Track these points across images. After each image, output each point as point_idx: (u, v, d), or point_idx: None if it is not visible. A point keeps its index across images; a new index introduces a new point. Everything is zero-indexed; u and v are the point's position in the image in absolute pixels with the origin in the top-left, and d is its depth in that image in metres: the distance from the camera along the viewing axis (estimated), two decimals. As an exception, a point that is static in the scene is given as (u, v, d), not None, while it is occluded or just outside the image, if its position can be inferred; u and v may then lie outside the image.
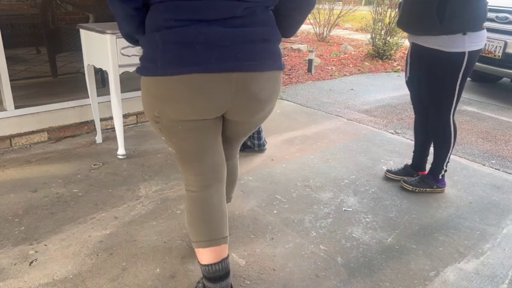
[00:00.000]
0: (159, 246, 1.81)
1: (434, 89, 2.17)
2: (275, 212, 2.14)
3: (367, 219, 2.11)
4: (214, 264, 1.38)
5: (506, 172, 2.76)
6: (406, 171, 2.53)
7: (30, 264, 1.67)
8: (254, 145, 2.82)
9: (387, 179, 2.55)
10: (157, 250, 1.79)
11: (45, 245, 1.80)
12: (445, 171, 2.37)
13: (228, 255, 1.43)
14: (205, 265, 1.39)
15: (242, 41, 1.15)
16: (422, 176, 2.44)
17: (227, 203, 1.66)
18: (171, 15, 1.12)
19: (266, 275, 1.68)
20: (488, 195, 2.42)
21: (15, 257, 1.72)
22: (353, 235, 1.97)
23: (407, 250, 1.88)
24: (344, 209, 2.20)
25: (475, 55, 2.05)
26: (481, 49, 2.07)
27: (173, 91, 1.17)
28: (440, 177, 2.39)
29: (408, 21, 2.11)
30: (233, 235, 1.92)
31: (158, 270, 1.67)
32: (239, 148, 1.67)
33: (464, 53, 2.01)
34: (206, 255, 1.38)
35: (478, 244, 1.94)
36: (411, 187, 2.40)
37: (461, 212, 2.22)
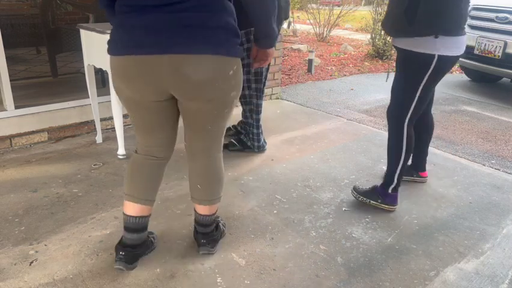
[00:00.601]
0: (159, 246, 1.81)
1: (397, 88, 2.09)
2: (275, 212, 2.14)
3: (367, 219, 2.11)
4: (132, 216, 1.60)
5: (506, 172, 2.76)
6: (406, 171, 2.43)
7: (30, 264, 1.67)
8: (254, 146, 2.82)
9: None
10: (157, 250, 1.79)
11: (45, 245, 1.80)
12: (397, 185, 2.15)
13: (148, 216, 1.65)
14: (125, 214, 1.62)
15: (177, 25, 1.23)
16: (373, 187, 2.25)
17: (204, 205, 1.67)
18: (123, 1, 1.27)
19: (266, 275, 1.68)
20: (488, 195, 2.42)
21: (16, 257, 1.72)
22: (353, 235, 1.97)
23: (407, 250, 1.88)
24: (344, 209, 2.20)
25: (447, 61, 1.94)
26: (455, 57, 1.95)
27: (117, 70, 1.34)
28: (390, 191, 2.16)
29: (386, 23, 2.08)
30: (233, 235, 1.92)
31: (158, 270, 1.67)
32: (216, 147, 1.61)
33: (433, 55, 1.91)
34: (128, 207, 1.61)
35: (478, 244, 1.94)
36: (357, 194, 2.24)
37: (461, 212, 2.22)
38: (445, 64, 1.96)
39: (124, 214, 1.62)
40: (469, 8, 1.99)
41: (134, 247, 1.64)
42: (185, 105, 1.44)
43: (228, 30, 1.30)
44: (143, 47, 1.26)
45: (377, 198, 2.19)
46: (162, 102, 1.43)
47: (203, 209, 1.68)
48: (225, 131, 1.62)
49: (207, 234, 1.75)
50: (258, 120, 2.74)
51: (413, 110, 2.05)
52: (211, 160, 1.62)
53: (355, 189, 2.27)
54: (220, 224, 1.87)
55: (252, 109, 2.71)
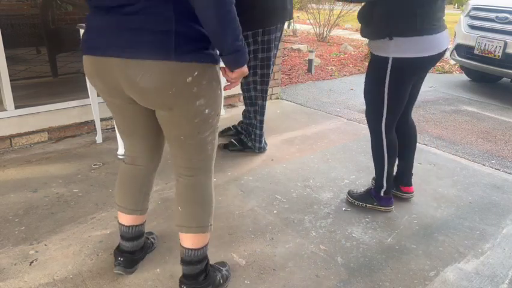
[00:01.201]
0: (159, 246, 1.81)
1: (366, 91, 2.06)
2: (275, 212, 2.14)
3: (367, 219, 2.11)
4: (126, 226, 1.60)
5: (506, 172, 2.76)
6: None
7: (30, 264, 1.68)
8: (255, 147, 2.82)
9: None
10: (157, 250, 1.79)
11: (45, 245, 1.80)
12: (388, 188, 2.14)
13: (142, 224, 1.63)
14: (119, 223, 1.61)
15: (124, 28, 1.19)
16: (367, 189, 2.23)
17: (185, 232, 1.44)
18: (90, 2, 1.25)
19: (266, 275, 1.68)
20: (488, 195, 2.42)
21: (16, 256, 1.72)
22: (353, 235, 1.97)
23: (407, 250, 1.88)
24: (343, 209, 2.20)
25: (403, 62, 1.85)
26: (417, 58, 1.85)
27: (85, 68, 1.34)
28: (382, 194, 2.15)
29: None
30: (233, 235, 1.92)
31: (158, 270, 1.67)
32: (200, 164, 1.42)
33: (387, 58, 1.86)
34: (120, 217, 1.61)
35: (478, 244, 1.94)
36: (352, 199, 2.23)
37: (461, 212, 2.22)
38: (405, 66, 1.88)
39: (119, 223, 1.62)
40: (438, 7, 1.85)
41: (132, 253, 1.63)
42: (157, 113, 1.35)
43: (181, 35, 1.17)
44: (96, 48, 1.24)
45: (373, 201, 2.19)
46: (131, 105, 1.36)
47: (185, 239, 1.45)
48: (213, 149, 1.43)
49: (190, 277, 1.47)
50: (261, 122, 2.75)
51: (387, 114, 2.00)
52: (194, 179, 1.43)
53: (350, 194, 2.27)
54: (216, 273, 1.57)
55: (256, 110, 2.72)
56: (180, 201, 1.45)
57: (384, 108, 1.99)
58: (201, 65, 1.23)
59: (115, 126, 1.54)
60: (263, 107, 2.72)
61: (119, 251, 1.63)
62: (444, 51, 1.92)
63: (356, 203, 2.23)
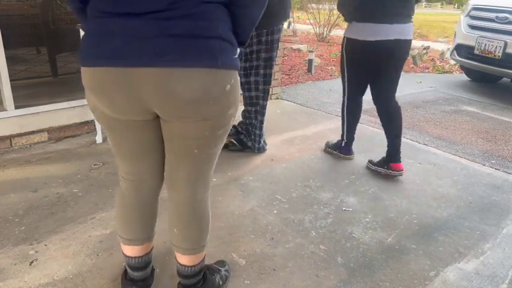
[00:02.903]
0: (159, 246, 1.81)
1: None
2: (275, 212, 2.14)
3: (367, 219, 2.11)
4: (135, 257, 1.43)
5: (506, 172, 2.76)
6: (379, 163, 2.66)
7: (30, 264, 1.67)
8: (254, 147, 2.82)
9: (387, 178, 2.55)
10: (157, 250, 1.78)
11: (45, 245, 1.80)
12: (348, 140, 2.81)
13: (152, 249, 1.49)
14: (125, 255, 1.44)
15: (164, 34, 1.06)
16: (338, 141, 2.88)
17: (182, 254, 1.40)
18: (98, 6, 1.10)
19: (266, 275, 1.68)
20: (488, 195, 2.42)
21: (16, 257, 1.72)
22: (353, 235, 1.97)
23: (407, 250, 1.88)
24: (343, 209, 2.20)
25: (354, 44, 2.41)
26: (366, 42, 2.34)
27: (93, 83, 1.14)
28: (343, 144, 2.84)
29: None
30: (233, 235, 1.92)
31: (158, 270, 1.67)
32: (203, 182, 1.35)
33: (344, 37, 2.49)
34: (127, 249, 1.43)
35: (478, 244, 1.94)
36: (327, 148, 2.93)
37: (461, 212, 2.22)
38: (353, 46, 2.44)
39: (125, 255, 1.45)
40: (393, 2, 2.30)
41: (144, 280, 1.50)
42: (171, 124, 1.21)
43: (223, 40, 1.13)
44: (124, 58, 1.07)
45: (339, 150, 2.85)
46: (147, 122, 1.23)
47: (182, 259, 1.40)
48: (214, 165, 1.35)
49: (188, 286, 1.46)
50: (262, 122, 2.75)
51: (348, 88, 2.62)
52: (193, 199, 1.35)
53: (326, 144, 2.96)
54: (214, 275, 1.55)
55: (257, 110, 2.73)
56: (176, 224, 1.37)
57: (345, 83, 2.62)
58: (235, 72, 1.19)
59: (114, 154, 1.36)
60: (264, 107, 2.73)
61: (129, 280, 1.49)
62: (399, 41, 2.33)
63: (329, 150, 2.91)
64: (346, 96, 2.65)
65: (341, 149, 2.84)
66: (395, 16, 2.27)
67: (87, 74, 1.14)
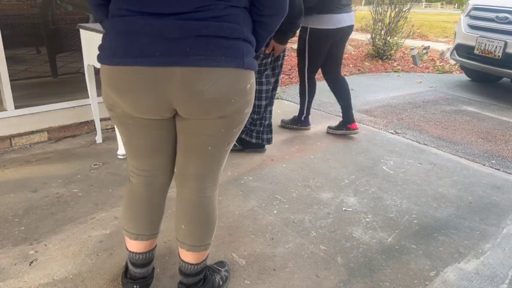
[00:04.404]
0: (159, 246, 1.81)
1: (297, 52, 3.15)
2: (275, 212, 2.14)
3: (367, 219, 2.11)
4: (139, 253, 1.44)
5: (506, 172, 2.76)
6: (338, 127, 3.26)
7: (30, 264, 1.67)
8: (263, 139, 2.83)
9: (387, 179, 2.55)
10: (157, 250, 1.78)
11: (45, 245, 1.80)
12: (307, 114, 3.30)
13: (155, 246, 1.50)
14: (130, 251, 1.45)
15: (193, 34, 1.09)
16: (293, 117, 3.39)
17: (187, 250, 1.41)
18: (124, 4, 1.11)
19: (266, 275, 1.68)
20: (488, 195, 2.42)
21: (15, 257, 1.72)
22: (353, 235, 1.97)
23: (407, 250, 1.88)
24: (344, 209, 2.20)
25: (319, 33, 2.92)
26: (330, 30, 2.89)
27: (118, 82, 1.14)
28: (303, 118, 3.31)
29: None
30: (233, 235, 1.92)
31: (158, 270, 1.67)
32: (213, 179, 1.38)
33: (306, 28, 2.96)
34: (132, 245, 1.44)
35: (478, 244, 1.94)
36: (284, 124, 3.41)
37: (461, 212, 2.22)
38: (316, 35, 2.94)
39: (129, 251, 1.45)
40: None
41: (145, 277, 1.50)
42: (188, 122, 1.24)
43: (247, 42, 1.19)
44: (151, 56, 1.08)
45: (297, 123, 3.35)
46: (164, 120, 1.25)
47: (186, 255, 1.41)
48: (224, 162, 1.38)
49: (188, 286, 1.46)
50: (271, 112, 2.82)
51: (308, 68, 3.12)
52: (202, 196, 1.37)
53: (282, 121, 3.43)
54: (214, 275, 1.56)
55: (267, 104, 2.78)
56: (185, 221, 1.38)
57: (306, 65, 3.10)
58: (254, 72, 1.24)
59: (125, 151, 1.38)
60: (273, 97, 2.82)
61: (131, 278, 1.48)
62: (349, 26, 2.97)
63: (287, 126, 3.38)
64: (307, 78, 3.16)
65: (302, 122, 3.33)
66: (347, 6, 2.91)
67: (111, 72, 1.14)
